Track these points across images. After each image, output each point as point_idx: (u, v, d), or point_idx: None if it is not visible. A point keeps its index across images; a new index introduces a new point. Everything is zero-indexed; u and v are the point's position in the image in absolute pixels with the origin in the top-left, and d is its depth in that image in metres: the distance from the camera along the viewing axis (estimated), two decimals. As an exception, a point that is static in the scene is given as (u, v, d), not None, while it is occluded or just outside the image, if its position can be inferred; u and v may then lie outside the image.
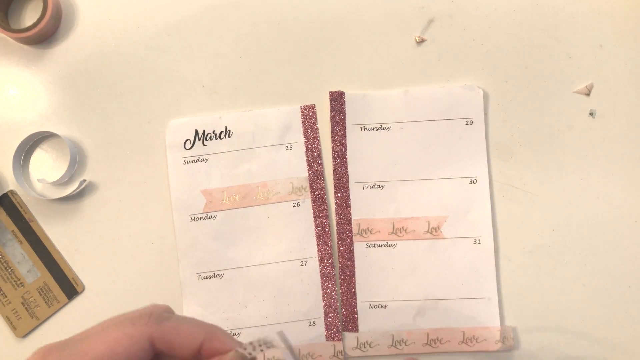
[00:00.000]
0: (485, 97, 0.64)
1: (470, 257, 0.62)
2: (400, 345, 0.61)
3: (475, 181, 0.63)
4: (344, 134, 0.64)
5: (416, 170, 0.63)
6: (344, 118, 0.64)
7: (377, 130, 0.64)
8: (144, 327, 0.37)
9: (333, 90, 0.64)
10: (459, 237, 0.62)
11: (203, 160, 0.64)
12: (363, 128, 0.64)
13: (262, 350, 0.39)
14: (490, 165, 0.63)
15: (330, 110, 0.64)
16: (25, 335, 0.63)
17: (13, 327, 0.63)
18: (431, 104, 0.64)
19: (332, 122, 0.64)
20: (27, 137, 0.63)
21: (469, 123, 0.63)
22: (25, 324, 0.63)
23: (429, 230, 0.62)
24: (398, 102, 0.64)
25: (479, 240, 0.62)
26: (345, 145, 0.64)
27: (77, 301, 0.63)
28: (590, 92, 0.64)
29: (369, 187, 0.63)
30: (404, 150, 0.63)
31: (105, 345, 0.36)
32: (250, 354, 0.38)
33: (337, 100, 0.64)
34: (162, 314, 0.39)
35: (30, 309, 0.63)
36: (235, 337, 0.59)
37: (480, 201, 0.62)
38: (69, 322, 0.63)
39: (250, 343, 0.39)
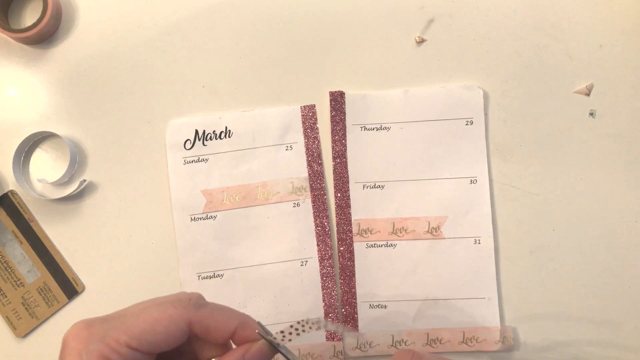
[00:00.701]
0: (485, 97, 0.64)
1: (470, 257, 0.62)
2: (400, 345, 0.61)
3: (475, 181, 0.63)
4: (344, 134, 0.64)
5: (416, 170, 0.63)
6: (344, 118, 0.64)
7: (377, 130, 0.64)
8: (184, 310, 0.40)
9: (333, 90, 0.64)
10: (459, 237, 0.62)
11: (203, 160, 0.64)
12: (363, 128, 0.64)
13: (290, 340, 0.40)
14: (490, 165, 0.63)
15: (331, 110, 0.64)
16: (25, 336, 0.63)
17: (13, 327, 0.63)
18: (431, 104, 0.64)
19: (332, 122, 0.64)
20: (27, 137, 0.63)
21: (469, 123, 0.63)
22: (25, 324, 0.63)
23: (429, 230, 0.62)
24: (398, 102, 0.64)
25: (479, 240, 0.62)
26: (345, 145, 0.64)
27: (77, 301, 0.63)
28: (590, 92, 0.64)
29: (369, 187, 0.63)
30: (404, 150, 0.63)
31: (147, 322, 0.39)
32: (278, 344, 0.40)
33: (337, 100, 0.64)
34: (198, 300, 0.41)
35: (30, 309, 0.63)
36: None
37: (480, 201, 0.62)
38: (69, 322, 0.63)
39: (281, 332, 0.41)
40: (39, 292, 0.63)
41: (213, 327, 0.41)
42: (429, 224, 0.63)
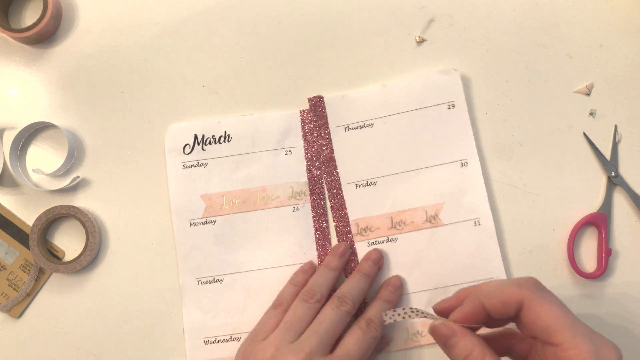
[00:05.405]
0: (485, 96, 0.64)
1: (473, 239, 0.62)
2: (416, 337, 0.61)
3: (465, 164, 0.62)
4: (329, 138, 0.64)
5: (406, 162, 0.63)
6: (327, 121, 0.64)
7: (360, 128, 0.64)
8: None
9: (333, 93, 0.64)
10: (458, 221, 0.62)
11: (202, 165, 0.64)
12: (347, 128, 0.64)
13: None
14: (490, 164, 0.63)
15: (312, 116, 0.64)
16: (20, 315, 0.63)
17: (7, 310, 0.63)
18: (410, 94, 0.63)
19: (315, 127, 0.64)
20: (26, 126, 0.64)
21: (450, 107, 0.63)
22: (17, 304, 0.63)
23: (428, 219, 0.63)
24: (377, 97, 0.64)
25: (478, 221, 0.62)
26: (332, 148, 0.63)
27: (77, 301, 0.63)
28: (590, 92, 0.64)
29: (361, 186, 0.63)
30: (391, 144, 0.63)
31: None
32: None
33: (317, 105, 0.64)
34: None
35: (18, 288, 0.63)
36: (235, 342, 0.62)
37: (474, 182, 0.62)
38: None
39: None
40: (22, 269, 0.63)
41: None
42: (426, 213, 0.63)
